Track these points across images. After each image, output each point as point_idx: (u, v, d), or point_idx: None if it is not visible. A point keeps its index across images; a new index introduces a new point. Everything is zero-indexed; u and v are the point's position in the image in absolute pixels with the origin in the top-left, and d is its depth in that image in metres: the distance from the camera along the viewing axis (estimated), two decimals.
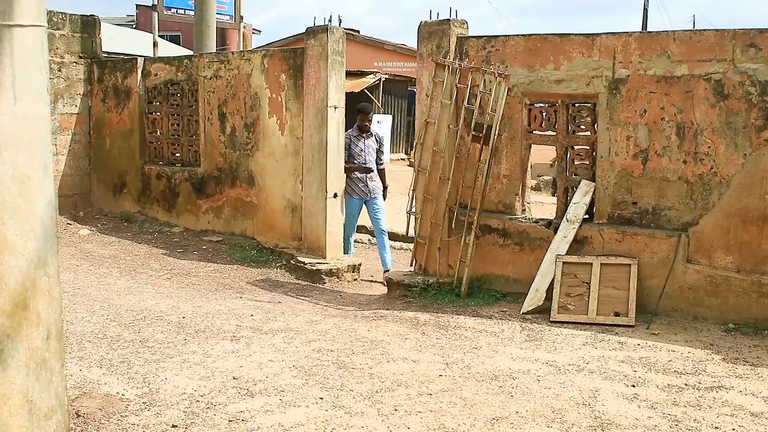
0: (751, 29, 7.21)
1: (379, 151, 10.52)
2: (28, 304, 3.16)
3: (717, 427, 4.92)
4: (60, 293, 3.31)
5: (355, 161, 10.27)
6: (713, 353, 6.50)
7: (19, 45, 3.09)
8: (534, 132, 8.56)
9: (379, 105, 26.38)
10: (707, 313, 7.40)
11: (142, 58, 13.11)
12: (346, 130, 10.45)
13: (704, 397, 5.47)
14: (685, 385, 5.71)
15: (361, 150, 10.29)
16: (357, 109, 10.48)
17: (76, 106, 13.00)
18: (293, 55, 10.44)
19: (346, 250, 10.41)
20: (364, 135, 10.36)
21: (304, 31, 10.35)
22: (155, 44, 18.81)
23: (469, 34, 8.98)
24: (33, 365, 3.21)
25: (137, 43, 22.25)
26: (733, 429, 4.90)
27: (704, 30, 7.62)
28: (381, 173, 10.55)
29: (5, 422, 3.13)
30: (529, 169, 8.79)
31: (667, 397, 5.45)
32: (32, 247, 3.17)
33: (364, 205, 10.47)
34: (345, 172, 10.13)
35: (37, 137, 3.22)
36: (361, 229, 13.46)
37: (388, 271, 9.82)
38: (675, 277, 7.54)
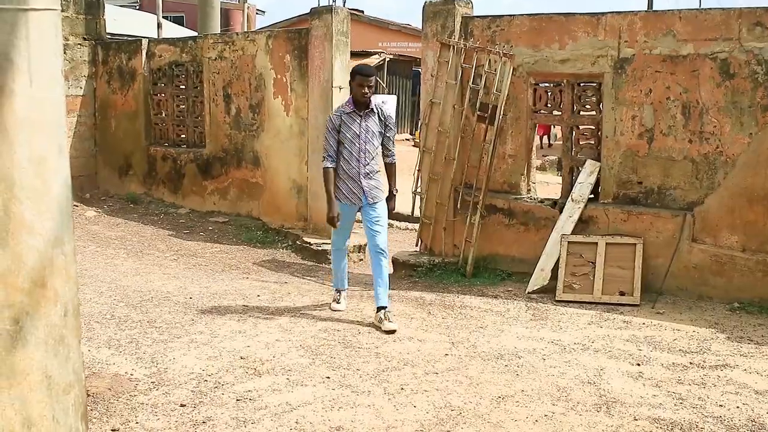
0: (758, 8, 7.17)
1: (386, 137, 6.84)
2: (46, 283, 3.21)
3: (721, 405, 4.95)
4: (76, 272, 3.36)
5: (345, 154, 6.68)
6: (718, 332, 6.52)
7: (34, 29, 3.11)
8: (539, 112, 8.55)
9: (384, 85, 26.31)
10: (712, 292, 7.42)
11: (147, 39, 13.10)
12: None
13: (709, 375, 5.49)
14: (690, 363, 5.74)
15: (356, 135, 6.63)
16: (352, 72, 6.78)
17: (81, 87, 13.00)
18: (298, 36, 10.42)
19: (336, 282, 7.23)
20: (361, 113, 6.65)
21: (308, 11, 10.33)
22: (159, 25, 18.75)
23: (474, 14, 8.95)
24: (51, 342, 3.26)
25: (141, 25, 22.21)
26: (737, 407, 4.93)
27: (710, 9, 7.59)
28: (389, 170, 7.01)
29: (25, 397, 3.18)
30: (534, 148, 8.79)
31: (672, 375, 5.48)
32: (49, 227, 3.21)
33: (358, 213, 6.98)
34: (324, 177, 6.74)
35: (53, 119, 3.25)
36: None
37: (383, 309, 6.61)
38: (680, 256, 7.55)
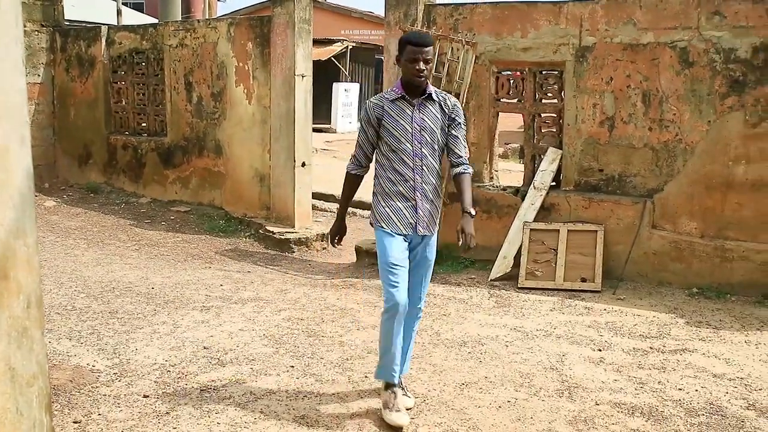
0: None
1: (452, 136, 4.58)
2: (8, 274, 3.17)
3: (680, 389, 5.03)
4: (39, 263, 3.33)
5: (392, 159, 4.52)
6: (677, 317, 6.62)
7: None
8: (501, 100, 8.58)
9: (347, 73, 26.25)
10: (672, 278, 7.52)
11: (106, 26, 12.93)
12: (313, 99, 10.27)
13: (668, 359, 5.58)
14: (650, 348, 5.82)
15: (407, 132, 4.49)
16: (401, 42, 4.53)
17: (38, 75, 12.80)
18: (260, 24, 10.35)
19: (384, 369, 4.58)
20: (413, 101, 4.50)
21: None
22: (119, 12, 18.55)
23: (437, 2, 8.96)
24: (14, 333, 3.23)
25: (100, 12, 21.94)
26: (696, 390, 5.02)
27: None
28: (461, 184, 4.56)
29: None
30: (496, 136, 8.82)
31: (633, 360, 5.56)
32: (11, 217, 3.17)
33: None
34: (344, 182, 4.83)
35: (15, 109, 3.21)
36: (330, 198, 13.47)
37: (397, 386, 4.58)
38: (640, 242, 7.65)
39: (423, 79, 4.41)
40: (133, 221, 10.82)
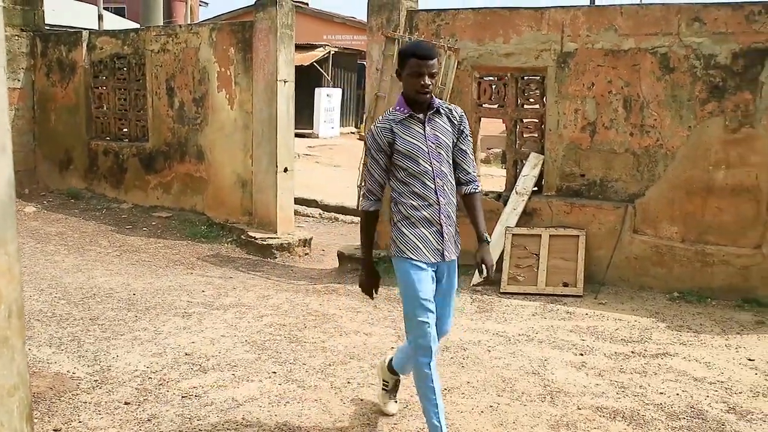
0: (696, 4, 7.32)
1: (460, 150, 4.21)
2: None
3: (662, 393, 5.06)
4: (20, 272, 3.30)
5: (412, 183, 4.12)
6: (658, 321, 6.65)
7: None
8: (483, 105, 8.60)
9: (329, 78, 26.24)
10: (653, 282, 7.56)
11: (87, 31, 12.85)
12: (295, 104, 10.31)
13: (650, 363, 5.60)
14: (632, 352, 5.85)
15: (422, 151, 4.06)
16: (402, 54, 4.09)
17: (18, 80, 12.70)
18: (242, 29, 10.32)
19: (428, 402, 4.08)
20: (421, 116, 4.08)
21: (252, 3, 10.24)
22: (100, 17, 18.45)
23: (420, 8, 8.97)
24: None
25: (81, 16, 21.83)
26: (677, 394, 5.04)
27: (651, 4, 7.74)
28: (471, 204, 4.33)
29: None
30: (479, 141, 8.84)
31: (614, 364, 5.58)
32: None
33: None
34: (361, 223, 4.41)
35: None
36: (312, 203, 13.46)
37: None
38: (622, 247, 7.68)
39: (427, 92, 3.99)
40: (114, 227, 10.75)
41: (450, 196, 4.14)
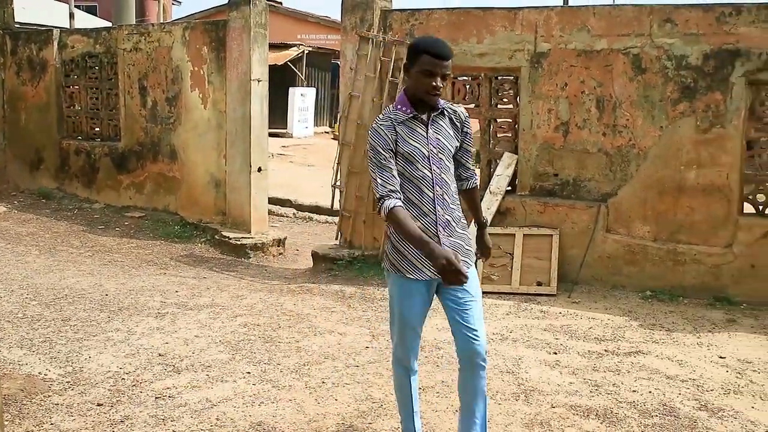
0: (668, 5, 7.40)
1: (463, 150, 3.97)
2: None
3: (635, 391, 5.09)
4: None
5: (408, 189, 3.72)
6: (631, 320, 6.71)
7: None
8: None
9: (303, 78, 26.18)
10: (626, 281, 7.62)
11: (59, 29, 12.74)
12: (269, 103, 10.29)
13: (623, 362, 5.64)
14: (605, 351, 5.89)
15: (423, 156, 3.72)
16: (413, 50, 3.74)
17: None
18: (215, 28, 10.27)
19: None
20: (425, 118, 3.76)
21: (226, 2, 10.19)
22: (72, 15, 18.29)
23: (393, 8, 8.97)
24: None
25: (52, 15, 21.61)
26: (650, 392, 5.08)
27: (623, 5, 7.80)
28: (470, 197, 4.18)
29: None
30: None
31: (588, 363, 5.61)
32: None
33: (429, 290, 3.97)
34: (396, 220, 3.55)
35: None
36: (286, 203, 13.42)
37: None
38: (595, 246, 7.73)
39: (437, 95, 3.68)
40: (86, 227, 10.66)
41: (451, 206, 3.77)
